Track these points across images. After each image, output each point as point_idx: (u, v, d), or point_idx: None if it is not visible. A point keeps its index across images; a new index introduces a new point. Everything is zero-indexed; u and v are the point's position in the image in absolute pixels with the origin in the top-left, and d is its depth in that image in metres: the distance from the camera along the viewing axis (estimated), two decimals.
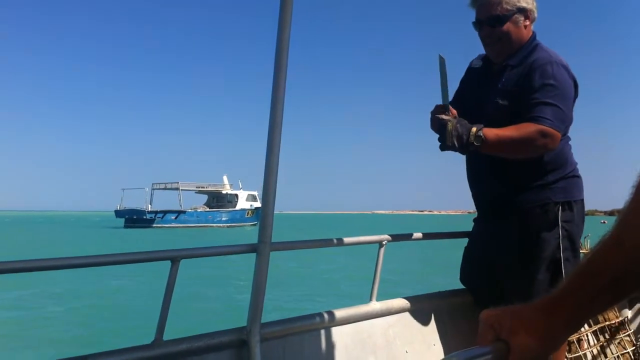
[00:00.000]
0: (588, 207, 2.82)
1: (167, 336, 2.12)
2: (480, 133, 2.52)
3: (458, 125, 2.53)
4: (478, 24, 2.77)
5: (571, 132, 2.77)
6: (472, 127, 2.53)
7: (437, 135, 2.59)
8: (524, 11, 2.70)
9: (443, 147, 2.58)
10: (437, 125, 2.58)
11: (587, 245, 3.57)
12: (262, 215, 2.31)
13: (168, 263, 2.11)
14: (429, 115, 2.66)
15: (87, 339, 10.61)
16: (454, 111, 2.64)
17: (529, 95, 2.57)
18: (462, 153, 2.63)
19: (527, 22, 2.73)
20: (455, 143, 2.52)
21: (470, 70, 2.97)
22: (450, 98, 2.72)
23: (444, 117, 2.57)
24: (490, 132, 2.54)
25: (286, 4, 2.16)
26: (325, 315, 2.56)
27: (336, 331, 2.60)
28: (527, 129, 2.52)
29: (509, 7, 2.67)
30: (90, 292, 16.77)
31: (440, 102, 2.64)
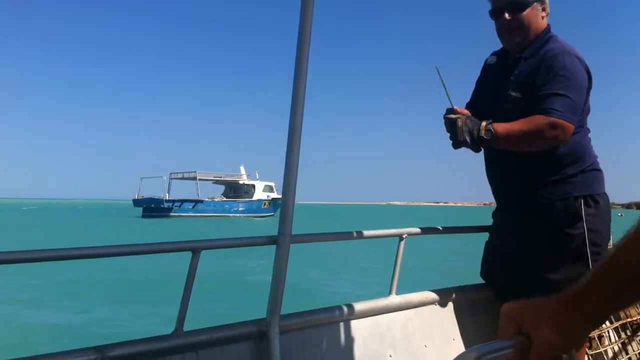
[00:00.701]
0: None
1: (187, 327, 2.13)
2: (490, 127, 2.54)
3: (468, 121, 2.57)
4: (496, 12, 2.74)
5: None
6: (481, 122, 2.56)
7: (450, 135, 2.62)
8: (541, 1, 2.71)
9: (455, 145, 2.61)
10: (448, 124, 2.61)
11: (610, 241, 3.51)
12: (282, 208, 2.31)
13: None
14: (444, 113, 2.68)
15: (106, 329, 10.73)
16: (465, 111, 2.69)
17: (539, 87, 2.56)
18: (475, 149, 2.64)
19: (544, 13, 2.72)
20: (467, 138, 2.55)
21: (485, 68, 2.95)
22: (458, 100, 2.74)
23: (452, 115, 2.61)
24: (500, 126, 2.55)
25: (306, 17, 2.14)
26: (345, 308, 2.55)
27: (355, 324, 2.59)
28: (536, 121, 2.51)
29: None
30: (110, 282, 16.94)
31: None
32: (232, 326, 2.26)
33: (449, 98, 2.68)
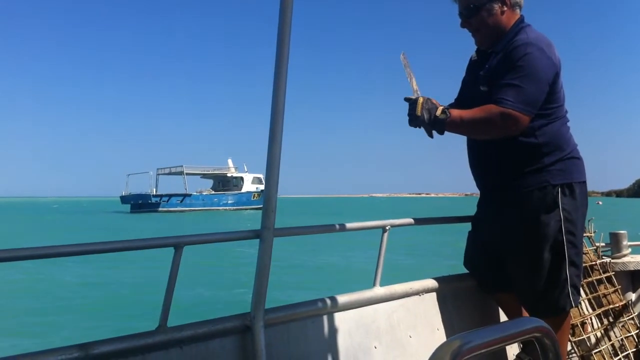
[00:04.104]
0: None
1: (171, 322, 2.13)
2: (446, 110, 2.61)
3: (428, 101, 2.63)
4: (459, 16, 2.81)
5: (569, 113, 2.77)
6: (439, 106, 2.63)
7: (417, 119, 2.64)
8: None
9: (414, 121, 2.64)
10: (410, 102, 2.66)
11: (590, 228, 3.55)
12: (265, 202, 2.30)
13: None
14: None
15: (90, 326, 10.69)
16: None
17: (499, 78, 2.59)
18: (429, 132, 2.65)
19: (505, 8, 2.72)
20: (425, 115, 2.59)
21: (469, 65, 2.97)
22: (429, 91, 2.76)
23: (413, 96, 2.67)
24: (455, 112, 2.62)
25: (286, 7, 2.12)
26: (329, 301, 2.56)
27: (340, 316, 2.61)
28: (488, 110, 2.55)
29: None
30: (92, 279, 16.85)
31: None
32: (217, 321, 2.26)
33: (411, 85, 2.73)
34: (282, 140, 2.22)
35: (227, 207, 71.74)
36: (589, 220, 3.54)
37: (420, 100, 2.61)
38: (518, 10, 2.76)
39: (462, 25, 2.80)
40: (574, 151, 2.73)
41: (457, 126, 2.63)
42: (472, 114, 2.59)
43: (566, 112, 2.76)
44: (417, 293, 2.92)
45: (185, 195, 72.64)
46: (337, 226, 2.66)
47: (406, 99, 2.68)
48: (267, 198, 2.29)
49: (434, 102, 2.65)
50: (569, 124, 2.77)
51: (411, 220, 2.95)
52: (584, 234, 2.99)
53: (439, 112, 2.59)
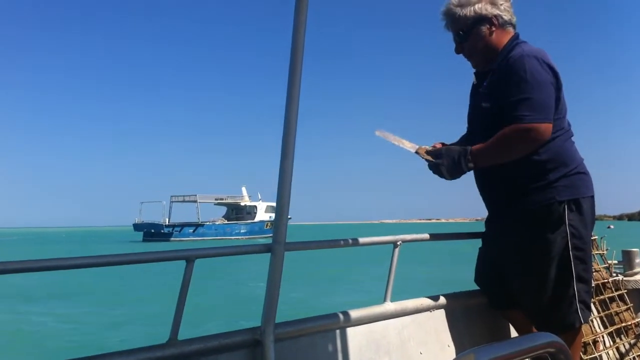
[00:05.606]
0: (596, 210, 2.78)
1: (181, 336, 2.14)
2: (469, 157, 2.66)
3: (448, 165, 2.70)
4: (454, 42, 2.87)
5: (576, 132, 2.78)
6: (460, 159, 2.68)
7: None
8: (483, 20, 2.75)
9: (448, 179, 2.76)
10: (433, 169, 2.78)
11: (603, 246, 3.53)
12: (277, 216, 2.30)
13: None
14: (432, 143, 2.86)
15: (101, 339, 10.68)
16: (437, 145, 2.84)
17: (505, 96, 2.60)
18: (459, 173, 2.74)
19: (493, 29, 2.76)
20: (455, 177, 2.73)
21: (471, 90, 2.99)
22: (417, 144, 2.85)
23: (432, 160, 2.75)
24: (477, 150, 2.67)
25: (299, 24, 2.11)
26: (340, 316, 2.56)
27: (350, 332, 2.60)
28: (510, 133, 2.56)
29: (467, 22, 2.76)
30: (105, 292, 16.88)
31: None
32: (227, 335, 2.26)
33: (407, 147, 2.81)
34: (295, 155, 2.23)
35: (240, 237, 71.66)
36: (601, 238, 3.53)
37: (443, 171, 2.71)
38: (510, 29, 2.79)
39: (457, 51, 2.86)
40: (580, 166, 2.72)
41: (486, 162, 2.67)
42: (496, 144, 2.60)
43: (569, 125, 2.76)
44: (428, 309, 2.91)
45: (197, 225, 72.78)
46: (350, 241, 2.66)
47: (431, 166, 2.78)
48: (278, 212, 2.29)
49: (452, 157, 2.70)
50: (573, 138, 2.77)
51: (423, 236, 2.95)
52: (597, 252, 2.98)
53: (464, 168, 2.68)
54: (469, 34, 2.77)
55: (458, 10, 2.76)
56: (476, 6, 2.74)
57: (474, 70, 2.93)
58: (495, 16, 2.75)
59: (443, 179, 2.76)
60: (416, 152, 2.81)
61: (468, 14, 2.75)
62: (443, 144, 2.86)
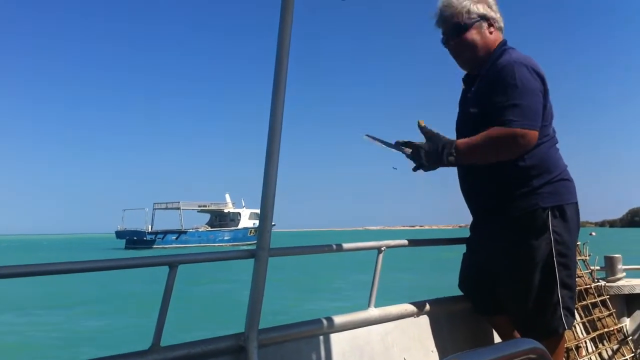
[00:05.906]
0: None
1: (164, 342, 2.12)
2: (452, 151, 2.62)
3: (429, 153, 2.65)
4: (444, 40, 2.87)
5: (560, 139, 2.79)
6: (443, 150, 2.63)
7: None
8: (486, 18, 2.79)
9: (425, 169, 2.69)
10: (411, 153, 2.70)
11: (585, 252, 3.56)
12: (261, 222, 2.29)
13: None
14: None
15: (82, 347, 10.57)
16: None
17: (494, 101, 2.60)
18: (436, 166, 2.68)
19: (492, 29, 2.80)
20: (435, 167, 2.67)
21: (461, 94, 3.00)
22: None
23: (409, 147, 2.70)
24: (462, 143, 2.63)
25: (285, 25, 2.12)
26: (324, 322, 2.55)
27: (334, 338, 2.59)
28: (496, 134, 2.55)
29: (470, 16, 2.77)
30: (88, 298, 16.75)
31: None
32: (210, 341, 2.24)
33: (396, 147, 2.74)
34: (279, 160, 2.22)
35: (224, 244, 71.39)
36: (584, 244, 3.56)
37: (423, 156, 2.65)
38: (501, 34, 2.84)
39: (451, 45, 2.85)
40: (564, 173, 2.74)
41: (468, 158, 2.64)
42: (481, 141, 2.59)
43: (554, 132, 2.77)
44: (412, 315, 2.91)
45: (180, 232, 72.45)
46: (334, 246, 2.66)
47: (409, 154, 2.71)
48: (262, 218, 2.29)
49: (434, 147, 2.65)
50: (558, 145, 2.79)
51: (406, 242, 2.97)
52: (579, 258, 3.00)
53: (445, 161, 2.62)
54: (468, 27, 2.77)
55: (468, 3, 2.78)
56: (484, 5, 2.80)
57: (462, 77, 2.95)
58: (495, 19, 2.82)
59: (420, 172, 2.70)
60: (398, 143, 2.75)
61: (478, 9, 2.78)
62: None
